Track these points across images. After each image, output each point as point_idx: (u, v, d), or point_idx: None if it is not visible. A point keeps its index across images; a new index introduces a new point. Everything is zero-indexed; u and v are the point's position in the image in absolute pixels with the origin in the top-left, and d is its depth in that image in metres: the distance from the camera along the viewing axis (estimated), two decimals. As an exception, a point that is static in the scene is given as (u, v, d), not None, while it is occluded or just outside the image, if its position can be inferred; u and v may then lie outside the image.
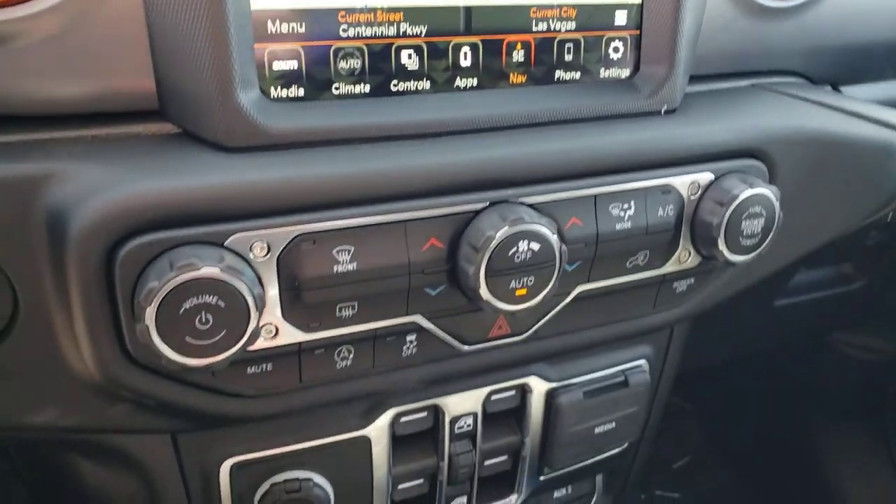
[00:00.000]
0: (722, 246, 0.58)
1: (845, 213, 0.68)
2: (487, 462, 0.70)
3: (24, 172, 0.44)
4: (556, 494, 0.81)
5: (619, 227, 0.56)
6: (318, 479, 0.61)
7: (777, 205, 0.58)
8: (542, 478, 0.73)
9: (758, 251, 0.59)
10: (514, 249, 0.50)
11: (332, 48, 0.50)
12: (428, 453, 0.67)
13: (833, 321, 1.25)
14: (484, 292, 0.50)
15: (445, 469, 0.67)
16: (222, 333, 0.44)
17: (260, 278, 0.46)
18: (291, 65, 0.49)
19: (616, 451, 0.77)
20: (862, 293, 1.08)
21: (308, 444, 0.60)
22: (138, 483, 0.60)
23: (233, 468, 0.59)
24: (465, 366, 0.59)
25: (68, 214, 0.43)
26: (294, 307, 0.49)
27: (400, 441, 0.65)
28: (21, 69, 0.45)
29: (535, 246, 0.50)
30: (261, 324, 0.47)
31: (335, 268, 0.48)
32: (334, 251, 0.48)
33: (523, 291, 0.52)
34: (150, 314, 0.43)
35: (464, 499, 0.70)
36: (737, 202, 0.56)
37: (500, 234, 0.49)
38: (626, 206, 0.56)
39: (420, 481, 0.68)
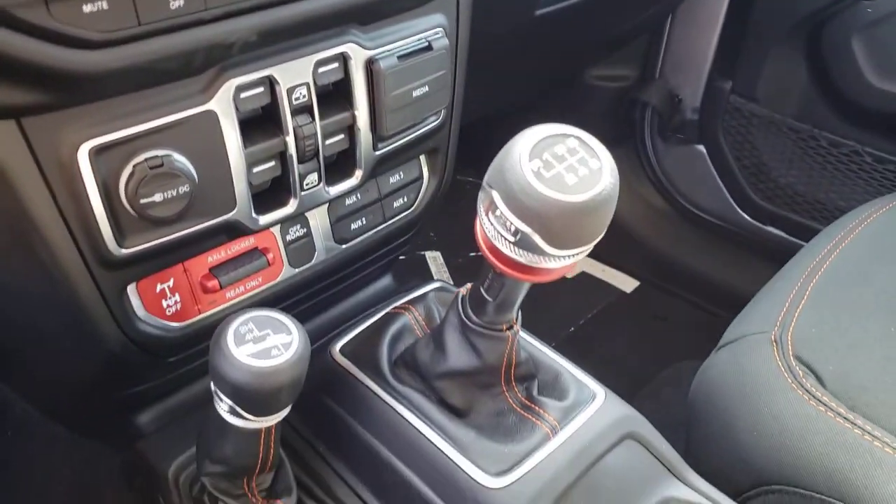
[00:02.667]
0: None
1: None
2: (328, 141, 0.77)
3: None
4: (392, 180, 0.92)
5: None
6: (177, 155, 0.65)
7: None
8: (377, 152, 0.83)
9: None
10: None
11: None
12: (275, 133, 0.73)
13: (582, 35, 1.45)
14: None
15: (293, 143, 0.74)
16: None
17: None
18: None
19: (434, 123, 0.88)
20: (597, 3, 1.27)
21: (159, 122, 0.63)
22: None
23: (90, 153, 0.60)
24: (289, 15, 0.64)
25: None
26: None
27: (247, 125, 0.70)
28: None
29: None
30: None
31: None
32: None
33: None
34: None
35: (314, 175, 0.78)
36: None
37: None
38: None
39: (273, 163, 0.74)
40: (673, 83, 1.78)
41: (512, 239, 0.56)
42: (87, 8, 0.51)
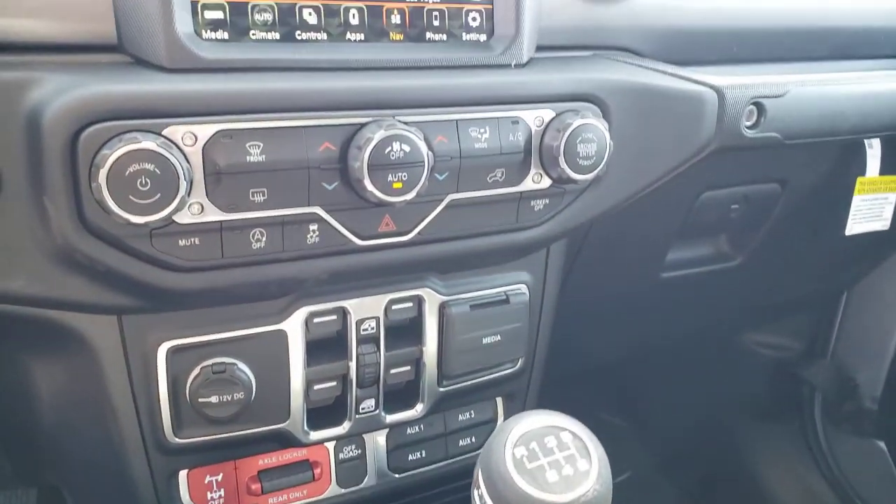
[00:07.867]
0: (563, 164, 0.74)
1: (670, 152, 0.85)
2: (393, 371, 0.82)
3: (11, 79, 0.59)
4: (461, 417, 0.92)
5: (477, 146, 0.72)
6: (242, 365, 0.73)
7: (607, 134, 0.75)
8: (441, 389, 0.85)
9: (595, 171, 0.75)
10: (389, 148, 0.65)
11: (250, 5, 0.67)
12: (339, 356, 0.79)
13: (723, 301, 1.39)
14: (367, 183, 0.65)
15: (354, 369, 0.79)
16: (157, 195, 0.59)
17: (189, 163, 0.61)
18: (218, 14, 0.66)
19: (510, 369, 0.89)
20: (741, 272, 1.23)
21: (233, 334, 0.73)
22: (86, 370, 0.71)
23: (168, 352, 0.71)
24: (362, 263, 0.73)
25: (43, 108, 0.58)
26: (216, 190, 0.63)
27: (314, 346, 0.78)
28: (19, 8, 0.61)
29: (406, 147, 0.66)
30: (189, 202, 0.61)
31: (247, 158, 0.63)
32: (247, 145, 0.63)
33: (399, 185, 0.67)
34: (102, 175, 0.57)
35: (372, 402, 0.82)
36: (571, 128, 0.73)
37: (378, 136, 0.65)
38: (482, 130, 0.72)
39: (333, 383, 0.80)
40: (847, 364, 1.60)
41: (490, 524, 0.54)
42: (182, 242, 0.64)
